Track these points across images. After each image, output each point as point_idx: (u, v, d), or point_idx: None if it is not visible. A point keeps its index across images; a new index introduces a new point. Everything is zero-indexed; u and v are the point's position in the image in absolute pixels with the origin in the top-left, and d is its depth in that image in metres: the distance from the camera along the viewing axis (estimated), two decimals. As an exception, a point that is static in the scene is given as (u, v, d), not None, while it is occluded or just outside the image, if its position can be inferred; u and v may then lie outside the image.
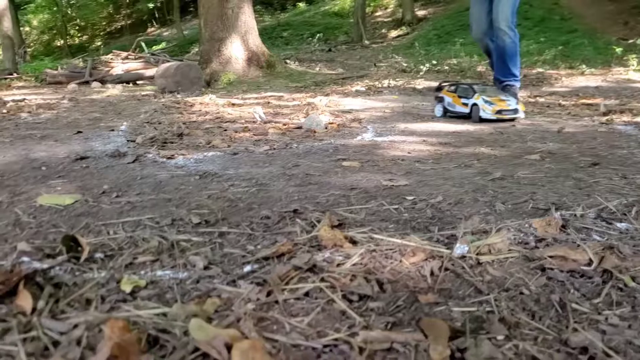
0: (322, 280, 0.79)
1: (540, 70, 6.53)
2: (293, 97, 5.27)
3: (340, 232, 0.97)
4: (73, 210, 1.31)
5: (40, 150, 2.48)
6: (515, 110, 3.04)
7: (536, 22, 10.41)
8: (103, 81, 8.11)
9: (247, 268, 0.87)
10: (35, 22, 20.77)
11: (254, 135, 2.82)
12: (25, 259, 0.91)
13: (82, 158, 2.20)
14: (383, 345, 0.61)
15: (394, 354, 0.60)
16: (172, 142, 2.71)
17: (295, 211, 1.18)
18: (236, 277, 0.83)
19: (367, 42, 11.13)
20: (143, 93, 6.46)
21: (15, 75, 9.55)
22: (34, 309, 0.73)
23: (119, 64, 9.04)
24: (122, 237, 1.05)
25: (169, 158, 2.23)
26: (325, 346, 0.62)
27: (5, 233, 1.11)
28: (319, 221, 1.09)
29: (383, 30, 12.56)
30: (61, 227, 1.14)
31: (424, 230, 1.04)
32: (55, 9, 19.42)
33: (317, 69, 8.21)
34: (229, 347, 0.60)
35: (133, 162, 2.13)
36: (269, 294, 0.77)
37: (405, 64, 6.93)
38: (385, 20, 13.41)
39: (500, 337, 0.63)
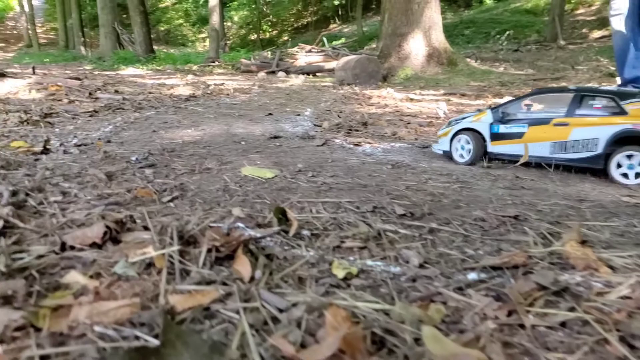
0: (585, 311, 0.61)
1: None
2: (476, 95, 4.92)
3: (592, 252, 0.77)
4: (274, 184, 1.32)
5: (238, 127, 2.68)
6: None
7: None
8: (287, 71, 8.70)
9: (473, 275, 0.74)
10: (236, 18, 23.43)
11: (440, 130, 2.65)
12: (239, 224, 0.91)
13: (275, 137, 2.31)
14: None
15: None
16: (357, 130, 2.70)
17: (516, 217, 1.01)
18: (463, 285, 0.70)
19: (562, 42, 9.94)
20: (322, 84, 6.73)
21: (216, 63, 10.87)
22: (252, 278, 0.70)
23: (302, 57, 9.61)
24: (326, 217, 1.00)
25: (355, 145, 2.20)
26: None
27: (218, 197, 1.16)
28: (551, 234, 0.90)
29: (584, 30, 11.09)
30: (265, 199, 1.15)
31: None
32: (253, 6, 21.67)
33: (502, 68, 7.60)
34: (478, 374, 0.48)
35: (322, 145, 2.15)
36: (510, 313, 0.62)
37: (613, 68, 5.96)
38: (588, 19, 11.83)
39: None
